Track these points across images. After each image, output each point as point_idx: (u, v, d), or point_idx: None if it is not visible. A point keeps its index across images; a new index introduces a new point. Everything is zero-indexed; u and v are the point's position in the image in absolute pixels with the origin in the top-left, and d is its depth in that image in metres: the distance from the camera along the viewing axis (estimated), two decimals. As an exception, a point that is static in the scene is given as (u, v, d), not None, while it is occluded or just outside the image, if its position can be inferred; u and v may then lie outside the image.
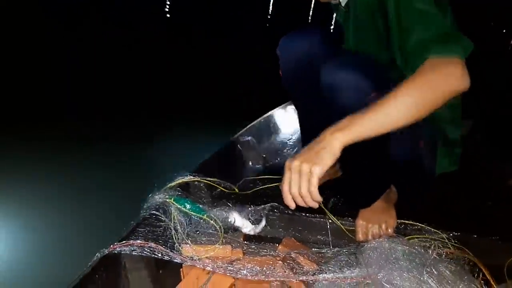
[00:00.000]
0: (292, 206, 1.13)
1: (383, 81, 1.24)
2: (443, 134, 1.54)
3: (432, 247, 1.23)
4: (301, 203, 1.11)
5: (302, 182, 1.08)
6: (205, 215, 1.35)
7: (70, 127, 3.56)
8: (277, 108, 2.56)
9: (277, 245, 1.43)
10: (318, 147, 1.09)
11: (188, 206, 1.35)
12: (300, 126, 1.81)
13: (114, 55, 6.54)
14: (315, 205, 1.11)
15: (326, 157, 1.07)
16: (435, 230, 1.40)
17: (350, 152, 1.25)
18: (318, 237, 1.50)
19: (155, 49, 7.16)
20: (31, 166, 2.71)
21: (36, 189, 2.49)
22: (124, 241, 1.14)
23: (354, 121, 1.09)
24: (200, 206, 1.39)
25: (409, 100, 1.08)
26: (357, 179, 1.47)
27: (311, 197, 1.09)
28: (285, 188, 1.11)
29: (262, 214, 1.46)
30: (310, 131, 1.70)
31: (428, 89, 1.08)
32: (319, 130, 1.51)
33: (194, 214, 1.35)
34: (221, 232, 1.33)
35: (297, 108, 1.81)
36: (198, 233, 1.35)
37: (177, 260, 1.16)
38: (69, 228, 2.11)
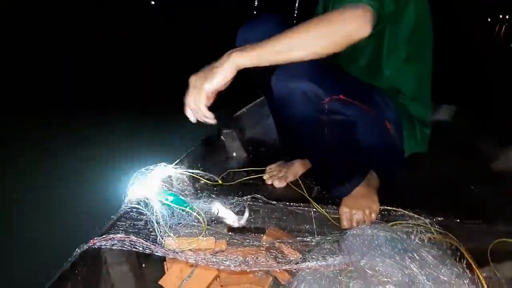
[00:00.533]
0: (191, 119, 1.24)
1: (338, 85, 1.25)
2: (408, 114, 1.55)
3: (414, 233, 1.23)
4: (198, 117, 1.23)
5: (194, 96, 1.19)
6: (188, 207, 1.33)
7: (47, 117, 3.53)
8: (260, 99, 2.55)
9: (261, 235, 1.42)
10: (215, 65, 1.17)
11: (170, 198, 1.33)
12: (273, 117, 1.81)
13: (98, 42, 6.51)
14: (208, 121, 1.23)
15: (217, 75, 1.15)
16: (418, 216, 1.40)
17: (318, 142, 1.27)
18: (303, 226, 1.49)
19: (140, 37, 7.12)
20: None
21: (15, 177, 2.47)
22: (104, 235, 1.12)
23: (255, 46, 1.15)
24: (183, 198, 1.37)
25: (311, 34, 1.14)
26: (329, 167, 1.47)
27: (201, 112, 1.19)
28: (185, 101, 1.22)
29: (245, 205, 1.44)
30: (281, 122, 1.72)
31: (330, 27, 1.14)
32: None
33: (177, 206, 1.33)
34: (204, 224, 1.31)
35: (266, 98, 1.79)
36: (181, 226, 1.33)
37: (159, 253, 1.14)
38: (47, 224, 2.08)
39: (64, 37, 6.87)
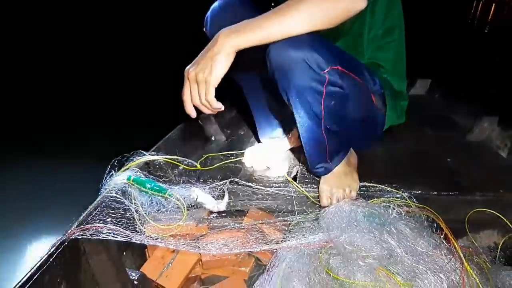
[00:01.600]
0: (193, 115, 1.18)
1: (336, 56, 1.22)
2: (390, 87, 1.58)
3: (392, 207, 1.25)
4: (205, 111, 1.16)
5: (200, 92, 1.12)
6: (167, 193, 1.33)
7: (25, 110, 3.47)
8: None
9: (243, 217, 1.43)
10: (212, 52, 1.10)
11: (148, 185, 1.32)
12: (249, 103, 1.79)
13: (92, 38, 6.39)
14: (215, 112, 1.17)
15: (220, 63, 1.10)
16: (396, 190, 1.42)
17: (312, 115, 1.26)
18: (283, 206, 1.50)
19: (130, 31, 7.01)
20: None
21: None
22: (82, 226, 1.11)
23: (250, 24, 1.11)
24: (161, 185, 1.36)
25: (309, 8, 1.11)
26: (317, 143, 1.47)
27: (211, 105, 1.13)
28: (184, 97, 1.15)
29: (224, 189, 1.44)
30: (259, 106, 1.70)
31: (329, 1, 1.11)
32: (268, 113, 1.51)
33: (155, 193, 1.32)
34: (184, 209, 1.31)
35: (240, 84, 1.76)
36: (161, 212, 1.32)
37: (138, 241, 1.14)
38: (23, 215, 2.05)
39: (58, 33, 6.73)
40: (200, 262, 1.33)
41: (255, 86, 1.68)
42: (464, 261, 1.08)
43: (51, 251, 1.02)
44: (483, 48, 6.76)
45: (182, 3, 8.83)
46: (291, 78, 1.22)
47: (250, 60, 1.31)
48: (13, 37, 6.11)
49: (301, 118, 1.31)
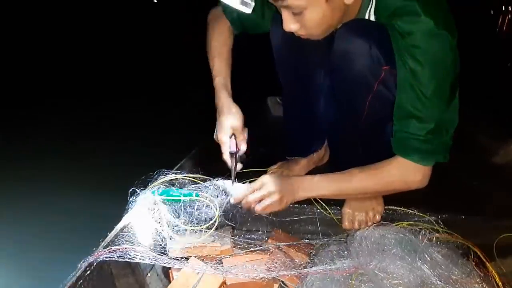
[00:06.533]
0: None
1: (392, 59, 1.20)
2: None
3: (422, 232, 1.22)
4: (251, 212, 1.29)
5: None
6: (194, 194, 1.30)
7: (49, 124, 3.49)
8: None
9: (266, 238, 1.41)
10: (292, 199, 1.29)
11: (176, 192, 1.31)
12: (284, 110, 1.77)
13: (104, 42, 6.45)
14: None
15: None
16: (423, 214, 1.39)
17: (358, 110, 1.31)
18: (307, 227, 1.48)
19: (145, 38, 7.07)
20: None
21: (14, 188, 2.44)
22: (108, 247, 1.10)
23: (320, 187, 1.29)
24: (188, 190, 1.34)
25: (368, 188, 1.29)
26: (354, 147, 1.47)
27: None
28: (266, 209, 1.26)
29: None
30: (293, 117, 1.68)
31: (388, 187, 1.28)
32: (303, 118, 1.49)
33: (183, 198, 1.29)
34: (215, 209, 1.27)
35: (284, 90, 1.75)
36: (189, 224, 1.30)
37: (165, 264, 1.12)
38: (48, 235, 2.06)
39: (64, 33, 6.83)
40: (224, 285, 1.31)
41: (298, 95, 1.62)
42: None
43: (79, 272, 1.01)
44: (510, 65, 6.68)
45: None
46: (350, 64, 1.22)
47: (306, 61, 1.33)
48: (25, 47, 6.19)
49: (340, 115, 1.31)
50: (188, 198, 1.30)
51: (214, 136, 1.39)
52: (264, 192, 1.24)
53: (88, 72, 5.31)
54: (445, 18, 1.12)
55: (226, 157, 1.36)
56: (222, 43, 1.47)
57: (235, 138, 1.34)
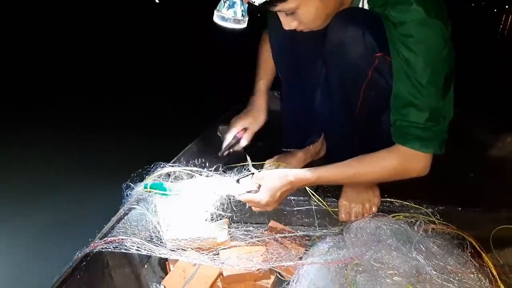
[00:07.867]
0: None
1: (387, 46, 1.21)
2: None
3: (417, 223, 1.23)
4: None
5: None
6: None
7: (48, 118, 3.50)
8: None
9: (262, 230, 1.41)
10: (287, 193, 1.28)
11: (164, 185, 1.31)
12: (281, 102, 1.77)
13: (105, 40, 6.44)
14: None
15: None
16: (419, 206, 1.40)
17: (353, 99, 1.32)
18: (304, 219, 1.48)
19: (145, 35, 7.07)
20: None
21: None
22: (105, 238, 1.10)
23: (315, 175, 1.26)
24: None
25: (369, 177, 1.29)
26: (348, 136, 1.49)
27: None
28: (261, 207, 1.26)
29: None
30: (291, 109, 1.68)
31: (390, 174, 1.26)
32: (300, 110, 1.50)
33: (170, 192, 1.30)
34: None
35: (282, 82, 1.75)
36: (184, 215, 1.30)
37: (162, 255, 1.13)
38: (46, 227, 2.06)
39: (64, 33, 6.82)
40: (221, 276, 1.31)
41: (296, 86, 1.65)
42: (499, 280, 1.05)
43: (75, 263, 1.01)
44: (507, 62, 6.69)
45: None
46: (344, 51, 1.24)
47: (304, 52, 1.34)
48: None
49: (336, 105, 1.31)
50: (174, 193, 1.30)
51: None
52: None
53: (86, 67, 5.31)
54: (437, 7, 1.13)
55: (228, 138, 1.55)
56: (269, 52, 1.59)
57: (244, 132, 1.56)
